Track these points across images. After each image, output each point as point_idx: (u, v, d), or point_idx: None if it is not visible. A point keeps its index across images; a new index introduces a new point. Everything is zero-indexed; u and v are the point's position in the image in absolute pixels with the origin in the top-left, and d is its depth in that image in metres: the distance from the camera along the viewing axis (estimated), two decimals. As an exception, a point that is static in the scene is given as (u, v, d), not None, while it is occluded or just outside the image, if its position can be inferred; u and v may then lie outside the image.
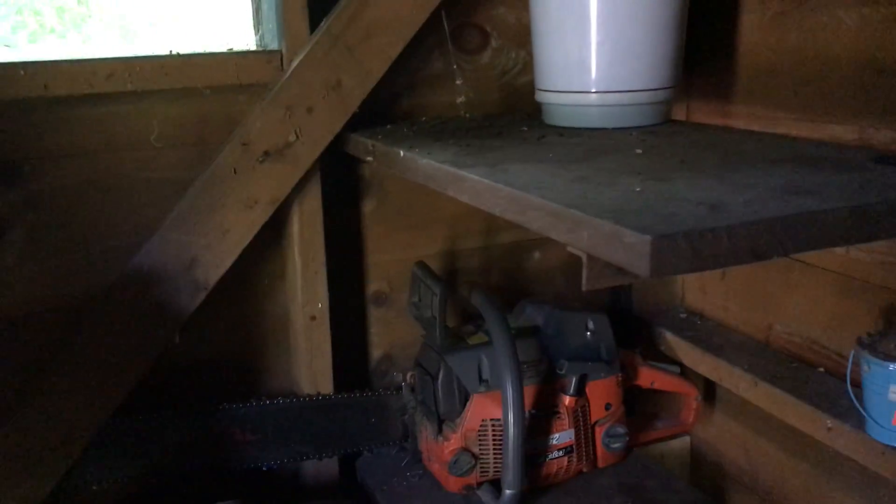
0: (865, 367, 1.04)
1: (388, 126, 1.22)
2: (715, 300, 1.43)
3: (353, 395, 1.26)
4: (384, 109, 1.28)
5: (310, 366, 1.24)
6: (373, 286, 1.35)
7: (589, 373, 1.23)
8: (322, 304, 1.23)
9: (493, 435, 1.18)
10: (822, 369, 1.23)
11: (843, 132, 1.13)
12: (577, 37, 1.08)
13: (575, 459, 1.23)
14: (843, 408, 1.11)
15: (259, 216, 1.12)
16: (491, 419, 1.17)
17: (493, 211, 0.78)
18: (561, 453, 1.21)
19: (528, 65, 1.35)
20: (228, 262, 1.12)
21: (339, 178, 1.27)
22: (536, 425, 1.19)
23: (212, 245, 1.09)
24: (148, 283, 1.07)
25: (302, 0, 1.11)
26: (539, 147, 0.99)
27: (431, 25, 1.21)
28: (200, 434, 1.17)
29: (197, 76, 1.09)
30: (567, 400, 1.21)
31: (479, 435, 1.18)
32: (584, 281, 0.63)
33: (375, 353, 1.37)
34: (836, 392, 1.15)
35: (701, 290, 1.47)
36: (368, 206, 1.32)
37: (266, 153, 1.09)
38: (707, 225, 0.59)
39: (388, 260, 1.34)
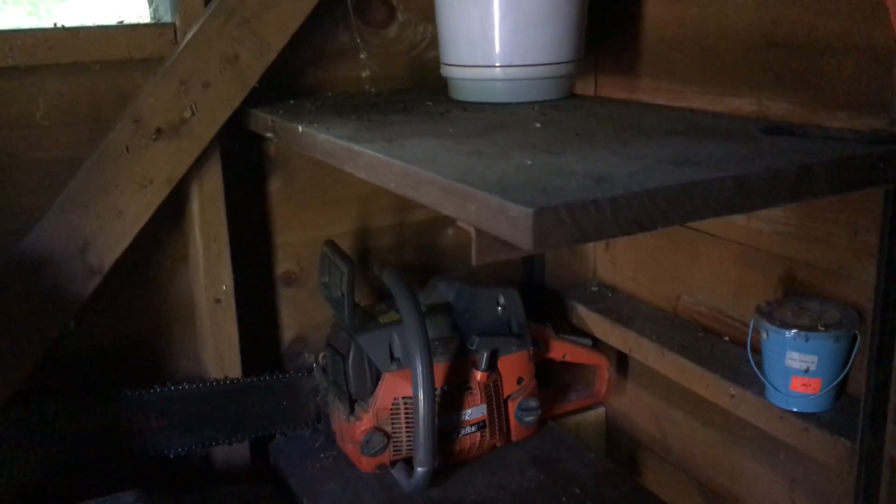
0: (764, 335, 1.06)
1: (292, 101, 1.19)
2: (625, 272, 1.45)
3: (262, 378, 1.23)
4: (288, 84, 1.24)
5: (216, 349, 1.21)
6: (282, 266, 1.32)
7: (500, 348, 1.23)
8: (227, 287, 1.20)
9: (406, 413, 1.17)
10: (727, 338, 1.26)
11: (742, 104, 1.15)
12: (479, 10, 1.07)
13: (488, 434, 1.23)
14: (745, 375, 1.14)
15: (155, 196, 1.08)
16: (403, 397, 1.17)
17: (388, 186, 0.77)
18: (474, 428, 1.21)
19: (435, 39, 1.33)
20: (124, 245, 1.08)
21: (244, 155, 1.24)
22: (448, 401, 1.19)
23: (105, 227, 1.05)
24: (38, 268, 1.02)
25: (195, -29, 1.07)
26: (441, 122, 0.97)
27: (333, -3, 1.18)
28: (101, 422, 1.13)
29: (85, 50, 1.04)
30: (479, 375, 1.21)
31: (392, 414, 1.17)
32: (473, 255, 0.62)
33: (287, 334, 1.35)
34: (739, 360, 1.18)
35: (612, 263, 1.48)
36: (275, 185, 1.28)
37: (159, 130, 1.05)
38: (589, 196, 0.59)
39: (297, 239, 1.32)
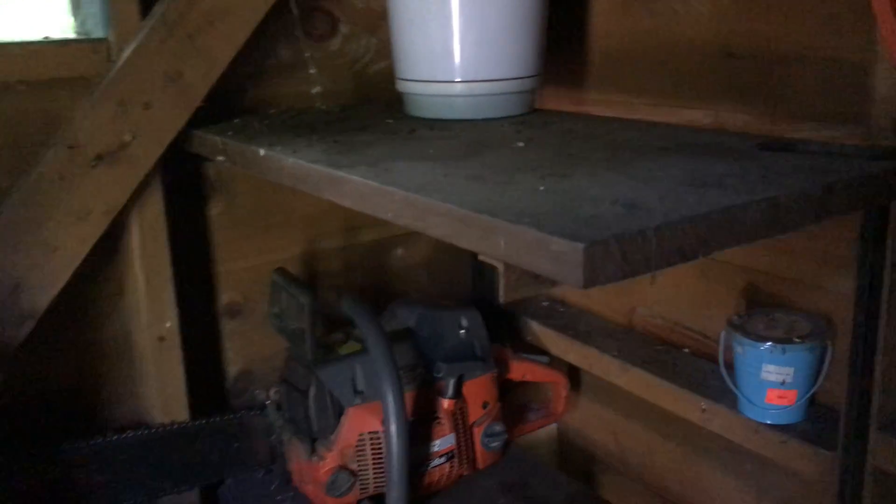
0: (738, 348, 1.05)
1: (236, 120, 1.11)
2: (577, 287, 1.42)
3: (211, 419, 1.14)
4: (227, 102, 1.16)
5: (161, 392, 1.11)
6: (225, 297, 1.23)
7: (465, 373, 1.18)
8: (171, 323, 1.10)
9: (372, 449, 1.10)
10: (687, 350, 1.25)
11: (699, 116, 1.14)
12: (439, 24, 1.02)
13: (456, 464, 1.18)
14: (715, 389, 1.13)
15: (93, 229, 0.97)
16: (369, 432, 1.10)
17: (383, 216, 0.70)
18: (443, 459, 1.16)
19: (380, 52, 1.28)
20: (60, 284, 0.97)
21: (181, 179, 1.14)
22: (417, 433, 1.13)
23: (38, 266, 0.94)
24: (-40, 315, 0.90)
25: (131, -18, 0.97)
26: (413, 142, 0.92)
27: (276, 10, 1.10)
28: (37, 481, 1.02)
29: (8, 68, 0.93)
30: (446, 403, 1.15)
31: (357, 450, 1.10)
32: (501, 292, 0.57)
33: (232, 370, 1.25)
34: (705, 373, 1.17)
35: (562, 278, 1.45)
36: (215, 210, 1.19)
37: (99, 157, 0.95)
38: (634, 227, 0.55)
39: (240, 267, 1.23)
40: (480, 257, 0.60)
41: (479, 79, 1.04)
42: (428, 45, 1.04)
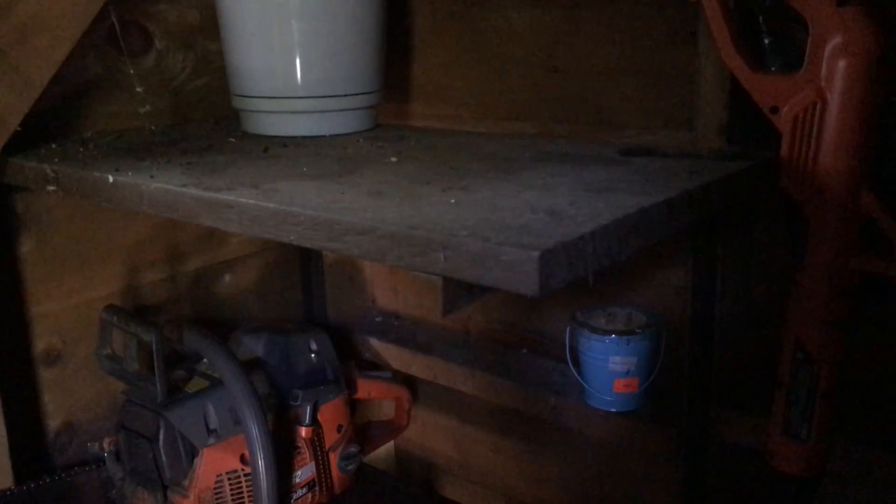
0: (584, 343, 1.12)
1: (53, 145, 1.00)
2: (408, 298, 1.44)
3: (42, 482, 1.01)
4: (35, 123, 1.03)
5: (-21, 458, 0.96)
6: (41, 342, 1.09)
7: (320, 397, 1.14)
8: (-14, 379, 0.96)
9: (232, 490, 1.04)
10: (525, 350, 1.30)
11: (524, 127, 1.20)
12: (281, 39, 0.99)
13: (317, 493, 1.14)
14: (561, 384, 1.19)
15: None
16: (227, 472, 1.03)
17: (284, 239, 0.67)
18: (305, 490, 1.12)
19: (198, 68, 1.21)
20: None
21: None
22: (279, 466, 1.07)
23: None
24: None
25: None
26: (276, 161, 0.88)
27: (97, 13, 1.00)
28: None
29: None
30: (304, 431, 1.11)
31: (216, 493, 1.03)
32: (441, 307, 0.56)
33: (52, 423, 1.12)
34: (548, 370, 1.23)
35: (392, 291, 1.46)
36: (26, 247, 1.06)
37: None
38: (572, 234, 0.56)
39: (57, 308, 1.10)
40: (411, 274, 0.58)
41: (324, 94, 1.02)
42: (269, 61, 1.00)
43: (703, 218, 0.71)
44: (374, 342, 1.38)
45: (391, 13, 1.11)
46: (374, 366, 1.38)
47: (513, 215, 0.62)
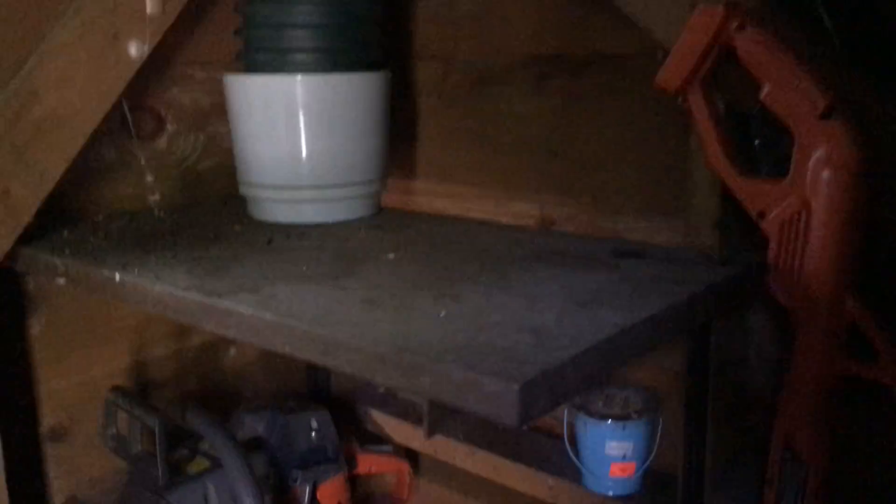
0: (581, 427, 1.13)
1: (65, 231, 1.03)
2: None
3: (44, 561, 1.03)
4: (48, 207, 1.07)
5: (-16, 539, 0.99)
6: (49, 420, 1.12)
7: (319, 477, 1.16)
8: (-7, 459, 0.98)
9: (231, 570, 1.05)
10: (525, 427, 1.31)
11: (526, 208, 1.22)
12: (288, 132, 1.02)
13: (315, 573, 1.15)
14: (559, 465, 1.19)
15: None
16: (226, 553, 1.05)
17: (280, 350, 0.69)
18: (302, 571, 1.13)
19: (208, 149, 1.25)
20: None
21: (-5, 296, 1.04)
22: (276, 547, 1.09)
23: None
24: None
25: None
26: (278, 255, 0.91)
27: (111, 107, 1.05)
28: None
29: None
30: (303, 511, 1.13)
31: (215, 574, 1.04)
32: (425, 430, 0.58)
33: (57, 499, 1.14)
34: (548, 450, 1.23)
35: (395, 363, 1.47)
36: (36, 327, 1.09)
37: (-84, 288, 0.84)
38: (554, 361, 0.58)
39: (65, 386, 1.13)
40: (400, 394, 0.61)
41: (329, 184, 1.05)
42: (276, 151, 1.04)
43: (684, 332, 0.73)
44: (375, 414, 1.40)
45: (399, 94, 1.14)
46: (375, 438, 1.39)
47: (500, 335, 0.64)
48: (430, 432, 0.60)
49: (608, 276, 0.80)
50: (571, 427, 1.15)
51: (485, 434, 1.30)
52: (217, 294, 0.76)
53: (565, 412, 1.16)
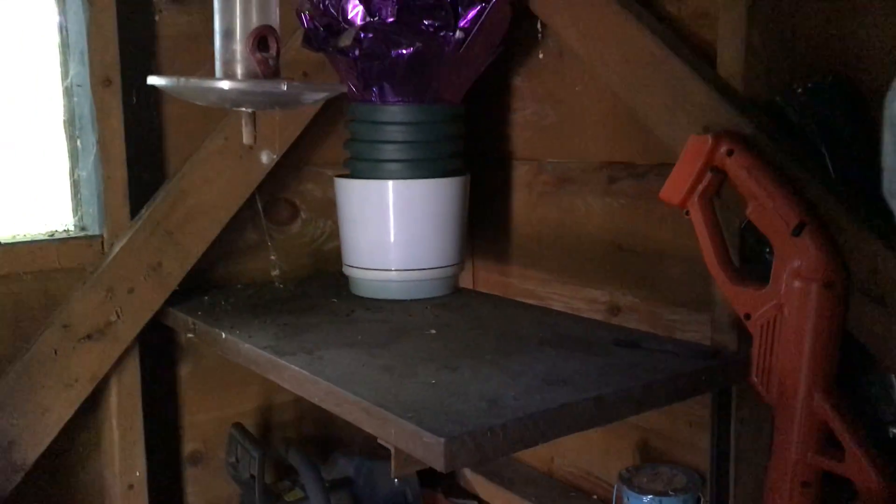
0: (626, 500, 1.24)
1: (206, 297, 1.32)
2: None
3: (171, 558, 1.29)
4: (200, 278, 1.37)
5: (128, 535, 1.27)
6: (189, 446, 1.40)
7: (396, 518, 1.35)
8: (140, 472, 1.27)
9: (311, 587, 1.25)
10: (595, 496, 1.43)
11: (597, 295, 1.37)
12: (378, 224, 1.25)
13: None
14: (611, 532, 1.30)
15: (79, 394, 1.16)
16: (308, 572, 1.25)
17: (313, 400, 0.90)
18: None
19: (333, 232, 1.51)
20: (47, 441, 1.14)
21: (156, 345, 1.34)
22: (349, 574, 1.28)
23: (31, 426, 1.12)
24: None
25: (124, 190, 1.20)
26: (349, 325, 1.12)
27: (245, 201, 1.33)
28: None
29: (19, 262, 1.14)
30: (377, 548, 1.32)
31: (298, 589, 1.25)
32: (392, 470, 0.76)
33: (193, 512, 1.41)
34: (605, 519, 1.35)
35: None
36: (185, 371, 1.38)
37: (88, 335, 1.15)
38: (486, 424, 0.74)
39: (204, 419, 1.41)
40: (379, 441, 0.79)
41: (410, 268, 1.26)
42: (368, 239, 1.27)
43: (640, 412, 0.85)
44: (468, 472, 1.57)
45: (502, 185, 1.32)
46: (465, 493, 1.56)
47: (462, 401, 0.81)
48: (395, 473, 0.77)
49: (595, 360, 0.94)
50: (619, 498, 1.26)
51: (553, 498, 1.43)
52: (282, 353, 0.99)
53: (615, 486, 1.27)
